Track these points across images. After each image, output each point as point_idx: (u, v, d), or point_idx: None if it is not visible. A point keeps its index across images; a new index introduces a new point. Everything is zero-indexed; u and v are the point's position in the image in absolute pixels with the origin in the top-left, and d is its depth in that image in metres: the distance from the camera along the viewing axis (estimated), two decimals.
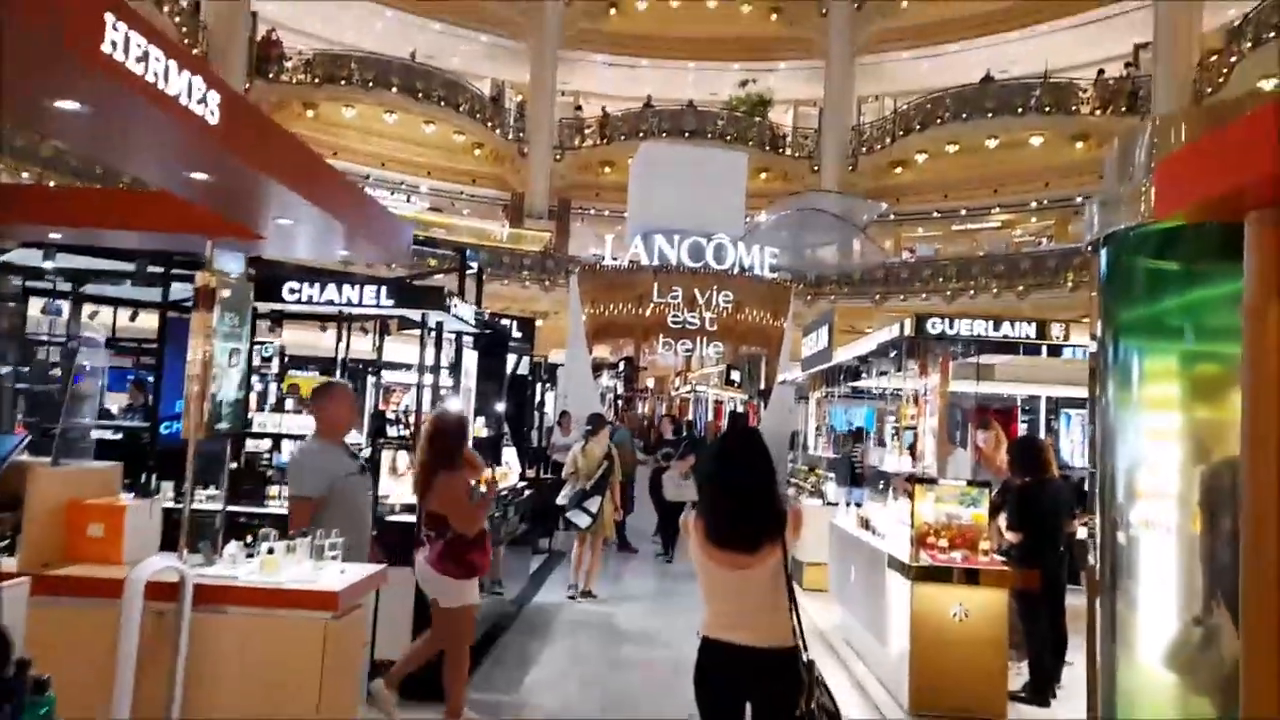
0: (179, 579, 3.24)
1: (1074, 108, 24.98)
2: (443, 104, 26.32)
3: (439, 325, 6.20)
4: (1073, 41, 26.62)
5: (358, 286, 5.62)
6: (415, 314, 5.81)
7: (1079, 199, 26.85)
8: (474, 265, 7.64)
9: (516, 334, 10.56)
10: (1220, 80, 22.04)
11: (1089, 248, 3.42)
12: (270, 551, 3.49)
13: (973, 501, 5.62)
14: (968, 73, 26.91)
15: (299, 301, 5.64)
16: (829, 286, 25.10)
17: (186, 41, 22.33)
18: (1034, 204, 27.55)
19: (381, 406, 10.86)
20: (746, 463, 3.16)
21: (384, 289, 5.63)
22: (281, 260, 6.71)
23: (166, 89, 2.11)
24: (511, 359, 11.23)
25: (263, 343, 10.43)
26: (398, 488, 5.65)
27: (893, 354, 7.35)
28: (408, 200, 28.12)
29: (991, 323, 5.75)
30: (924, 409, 6.02)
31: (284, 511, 5.85)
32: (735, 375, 14.62)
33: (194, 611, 3.25)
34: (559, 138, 28.53)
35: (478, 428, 7.55)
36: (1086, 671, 3.47)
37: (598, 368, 15.90)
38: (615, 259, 15.31)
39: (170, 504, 5.51)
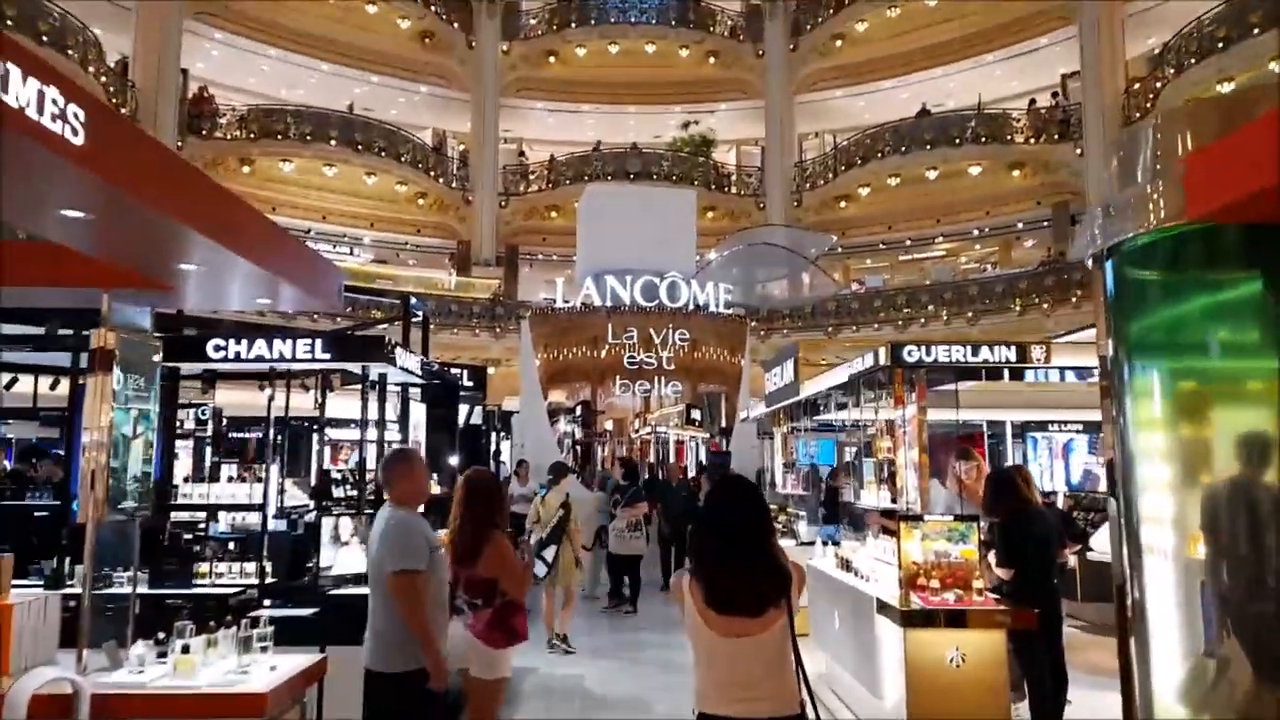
0: (72, 691, 2.73)
1: (1009, 137, 25.52)
2: (383, 154, 25.95)
3: (382, 377, 5.75)
4: (1003, 73, 27.37)
5: (291, 341, 5.16)
6: (356, 367, 5.36)
7: (1019, 224, 27.45)
8: (419, 314, 7.19)
9: (467, 383, 10.13)
10: (1148, 105, 22.71)
11: (1090, 260, 3.16)
12: (185, 650, 2.99)
13: (961, 537, 5.29)
14: (904, 107, 27.45)
15: (226, 359, 5.15)
16: (782, 321, 25.07)
17: (115, 101, 21.70)
18: (975, 231, 27.99)
19: (329, 464, 10.31)
20: (743, 517, 2.80)
21: (320, 342, 5.19)
22: (212, 316, 6.25)
23: (4, 98, 1.70)
24: (464, 409, 10.78)
25: (196, 405, 9.83)
26: (342, 557, 5.14)
27: (862, 385, 7.09)
28: (350, 253, 27.55)
29: (969, 348, 5.49)
30: (901, 440, 5.72)
31: (217, 592, 5.33)
32: (695, 414, 14.29)
33: None
34: (504, 184, 28.31)
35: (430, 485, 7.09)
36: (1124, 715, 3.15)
37: (554, 413, 15.45)
38: (567, 301, 14.95)
39: (75, 589, 4.96)
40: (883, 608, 5.36)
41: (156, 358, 3.42)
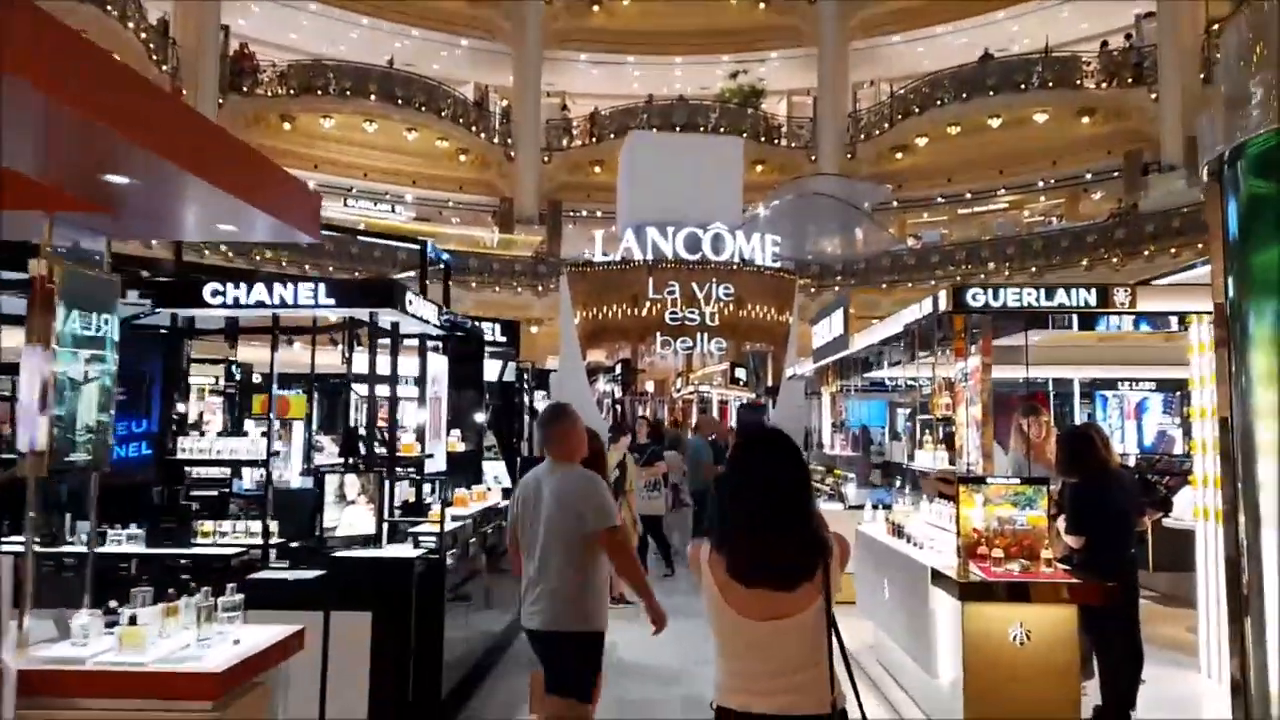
0: None
1: (1078, 81, 24.12)
2: (424, 110, 25.57)
3: (395, 327, 5.34)
4: (1071, 14, 25.80)
5: (292, 285, 4.77)
6: (362, 313, 4.95)
7: (1087, 175, 26.06)
8: (439, 263, 6.76)
9: (500, 337, 9.73)
10: None
11: (1206, 171, 2.56)
12: (133, 621, 2.63)
13: (1028, 502, 4.73)
14: (963, 54, 26.13)
15: (224, 304, 4.78)
16: (833, 278, 24.23)
17: (155, 59, 21.60)
18: (1040, 183, 26.68)
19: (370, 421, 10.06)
20: (775, 475, 2.34)
21: (323, 286, 4.78)
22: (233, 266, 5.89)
23: None
24: (497, 365, 10.40)
25: (231, 362, 9.59)
26: (348, 517, 4.79)
27: (918, 339, 6.50)
28: (392, 210, 27.34)
29: (1042, 291, 4.82)
30: (962, 397, 5.15)
31: (222, 552, 5.03)
32: (740, 373, 13.75)
33: (20, 709, 2.39)
34: (546, 139, 27.76)
35: (452, 441, 6.71)
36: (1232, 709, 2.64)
37: (593, 372, 15.04)
38: (606, 255, 14.43)
39: (76, 548, 4.69)
40: (938, 578, 4.84)
41: (112, 292, 3.03)
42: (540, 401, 17.25)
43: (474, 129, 27.04)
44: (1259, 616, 2.55)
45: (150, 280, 5.00)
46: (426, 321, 5.44)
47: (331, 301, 4.74)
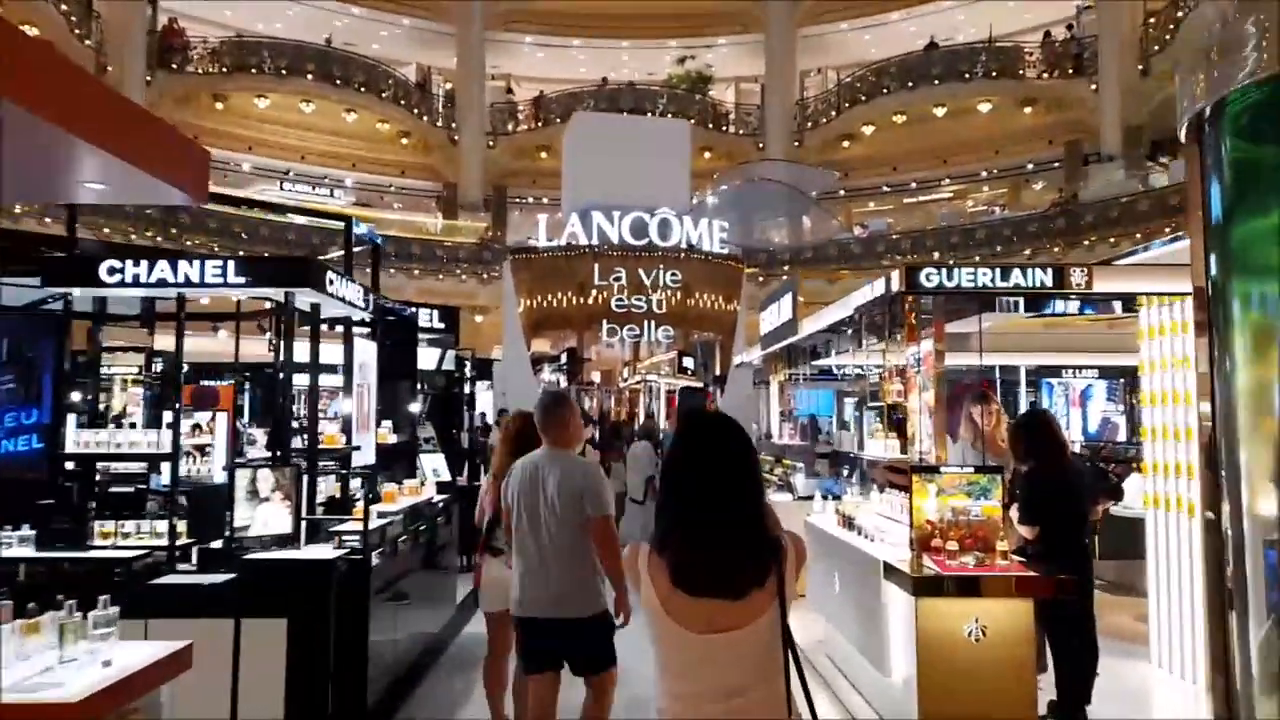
0: None
1: (1021, 72, 24.38)
2: (364, 90, 24.81)
3: (315, 309, 4.96)
4: (1015, 5, 26.04)
5: (197, 263, 4.35)
6: (278, 294, 4.56)
7: (1029, 165, 26.39)
8: (370, 241, 6.36)
9: (438, 324, 9.34)
10: (1167, 38, 21.57)
11: (1184, 132, 2.35)
12: None
13: (983, 492, 4.56)
14: (910, 42, 26.22)
15: (123, 283, 4.35)
16: (780, 266, 24.16)
17: (78, 33, 20.52)
18: (984, 173, 26.96)
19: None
20: (718, 464, 2.06)
21: (232, 264, 4.38)
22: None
23: None
24: (435, 353, 10.00)
25: (154, 351, 9.02)
26: (263, 515, 4.41)
27: (866, 327, 6.32)
28: (331, 194, 26.51)
29: (998, 271, 4.63)
30: (914, 383, 4.96)
31: (119, 556, 4.61)
32: (688, 362, 13.54)
33: None
34: (491, 123, 27.17)
35: (383, 433, 6.33)
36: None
37: (538, 361, 14.68)
38: (550, 241, 14.04)
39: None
40: (890, 572, 4.65)
41: None
42: (483, 392, 16.87)
43: (416, 111, 26.33)
44: (1243, 609, 2.37)
45: (38, 256, 4.54)
46: (351, 304, 5.06)
47: (242, 281, 4.34)
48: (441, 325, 9.41)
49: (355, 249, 5.87)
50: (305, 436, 5.84)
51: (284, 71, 23.74)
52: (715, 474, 2.05)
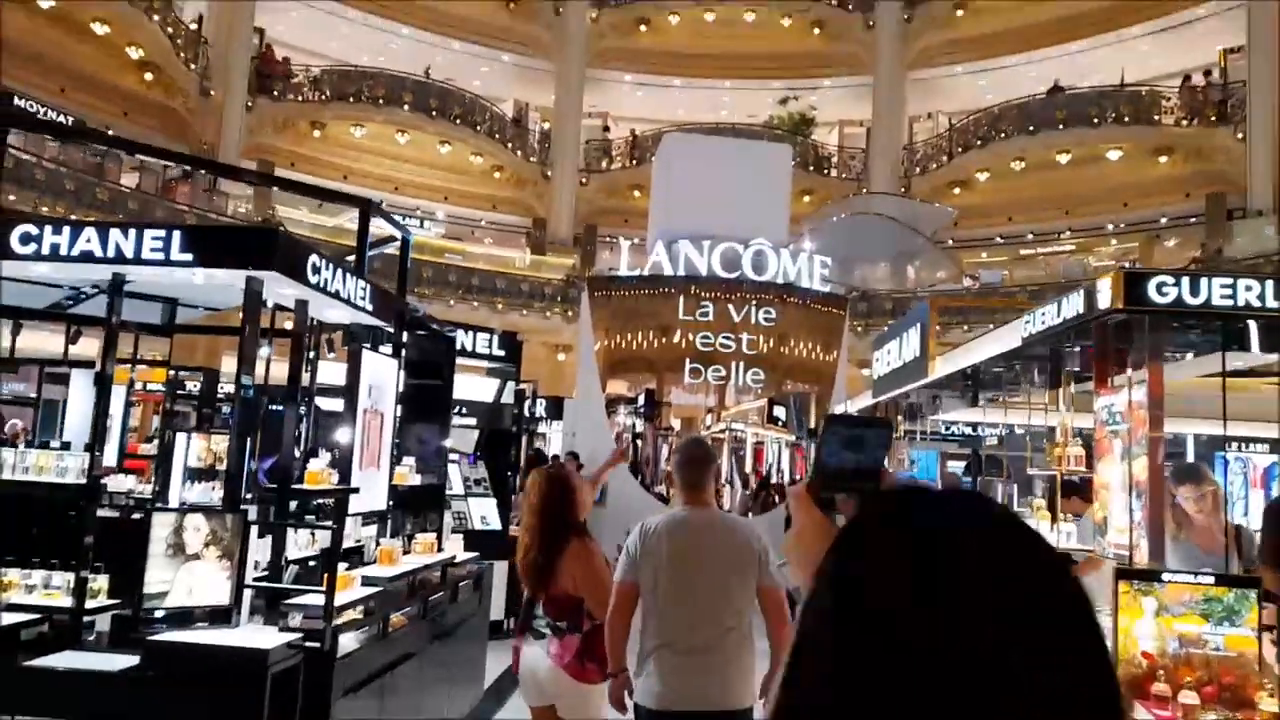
0: None
1: (1156, 118, 22.31)
2: (459, 123, 24.54)
3: (302, 307, 3.82)
4: (1150, 48, 24.10)
5: (133, 233, 3.27)
6: (234, 277, 3.42)
7: (1162, 219, 24.10)
8: (397, 231, 5.24)
9: (497, 350, 8.24)
10: None
11: None
12: None
13: (1229, 614, 3.04)
14: (1031, 87, 24.49)
15: (39, 254, 3.30)
16: (880, 317, 22.48)
17: (183, 56, 20.81)
18: (1110, 226, 24.76)
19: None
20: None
21: (177, 235, 3.27)
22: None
23: None
24: (493, 384, 8.89)
25: (134, 360, 8.19)
26: (185, 579, 3.22)
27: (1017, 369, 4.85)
28: (422, 225, 26.20)
29: (1269, 286, 3.10)
30: (1108, 447, 3.48)
31: (13, 619, 3.49)
32: (779, 412, 12.08)
33: None
34: (585, 160, 26.55)
35: (401, 472, 5.14)
36: None
37: (612, 403, 13.45)
38: (634, 270, 12.88)
39: None
40: None
41: None
42: (554, 433, 15.71)
43: (510, 146, 25.93)
44: None
45: None
46: (351, 304, 3.91)
47: (189, 257, 3.23)
48: (501, 353, 8.31)
49: (376, 248, 4.76)
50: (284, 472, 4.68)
51: (381, 101, 23.68)
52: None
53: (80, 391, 5.58)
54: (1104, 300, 3.15)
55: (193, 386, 10.01)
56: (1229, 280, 3.17)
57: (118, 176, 18.26)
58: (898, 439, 8.73)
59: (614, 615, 3.24)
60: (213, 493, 5.21)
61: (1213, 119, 21.98)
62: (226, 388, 10.08)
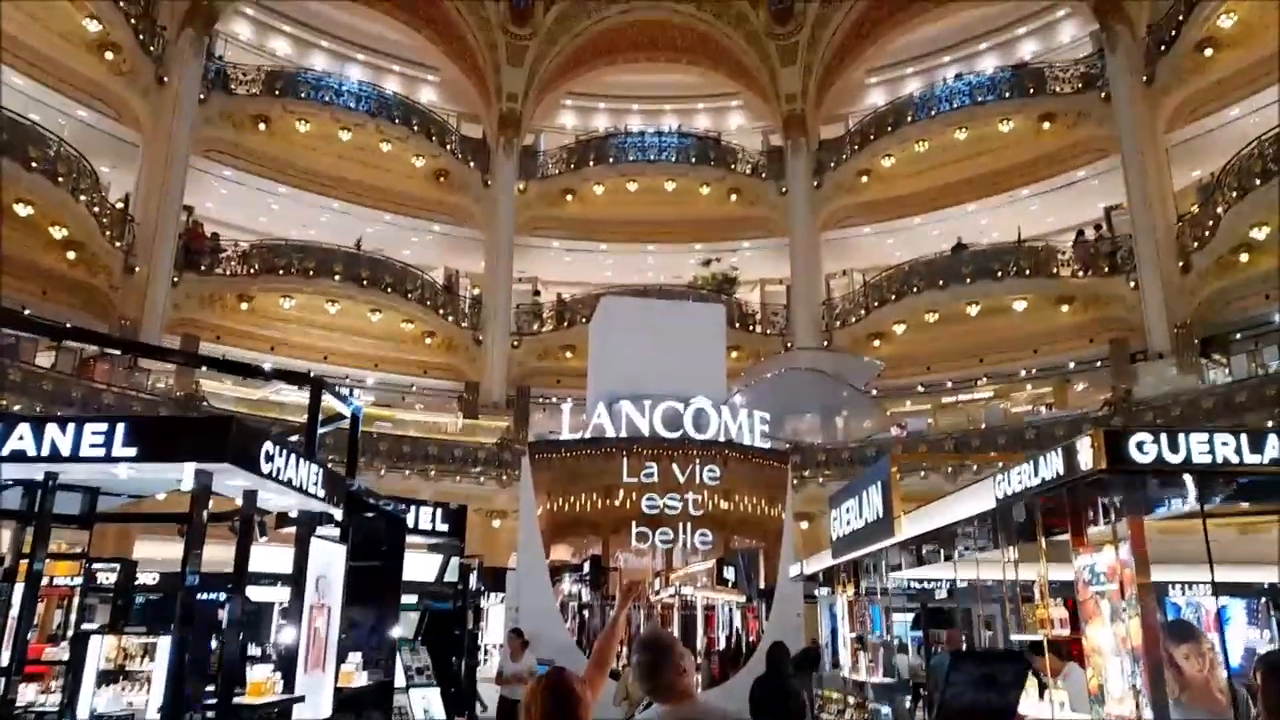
0: None
1: (1054, 270, 23.89)
2: (390, 291, 24.75)
3: (250, 499, 3.58)
4: (1040, 208, 26.22)
5: (74, 426, 3.04)
6: (182, 471, 3.19)
7: (1070, 364, 25.32)
8: (346, 405, 5.06)
9: (440, 525, 7.89)
10: (1205, 234, 21.09)
11: None
12: None
13: None
14: (935, 244, 26.24)
15: None
16: (817, 467, 22.66)
17: (109, 234, 20.67)
18: (1023, 372, 25.89)
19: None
20: None
21: (121, 428, 3.06)
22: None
23: None
24: (435, 561, 8.48)
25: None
26: None
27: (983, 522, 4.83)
28: (351, 394, 25.75)
29: (1244, 440, 3.16)
30: (1094, 610, 3.40)
31: None
32: (729, 572, 11.84)
33: None
34: (516, 324, 26.87)
35: (347, 670, 4.73)
36: None
37: (557, 570, 12.99)
38: (575, 434, 12.75)
39: None
40: None
41: None
42: (495, 606, 14.98)
43: (441, 312, 26.14)
44: None
45: None
46: (303, 492, 3.69)
47: (132, 452, 3.00)
48: (445, 527, 7.96)
49: (327, 425, 4.57)
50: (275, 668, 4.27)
51: (311, 273, 23.79)
52: None
53: None
54: (1086, 460, 3.18)
55: (103, 578, 9.30)
56: (1205, 440, 3.23)
57: (33, 356, 17.59)
58: (866, 597, 8.54)
59: None
60: (123, 697, 4.72)
61: (1106, 270, 23.62)
62: (142, 578, 9.39)
